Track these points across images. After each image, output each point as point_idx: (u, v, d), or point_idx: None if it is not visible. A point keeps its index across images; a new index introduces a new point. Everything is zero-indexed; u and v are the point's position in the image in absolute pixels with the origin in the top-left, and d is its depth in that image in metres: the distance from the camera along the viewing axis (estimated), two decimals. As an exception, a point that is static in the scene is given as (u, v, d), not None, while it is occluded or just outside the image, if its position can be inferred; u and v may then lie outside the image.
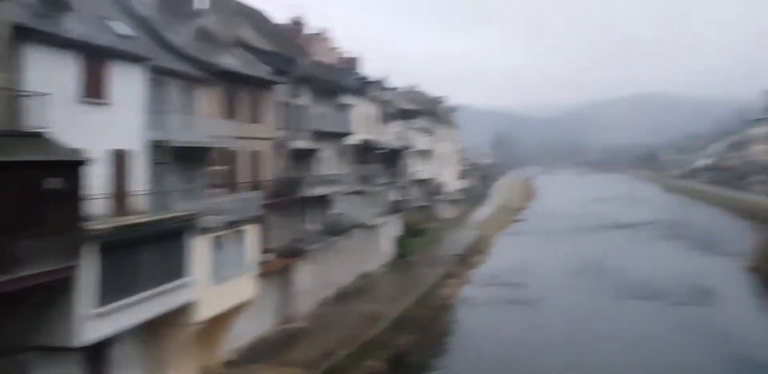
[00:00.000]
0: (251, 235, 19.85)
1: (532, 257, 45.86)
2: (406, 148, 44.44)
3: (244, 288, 19.24)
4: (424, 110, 56.58)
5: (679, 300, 31.86)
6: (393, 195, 40.44)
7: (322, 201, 27.88)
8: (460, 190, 72.89)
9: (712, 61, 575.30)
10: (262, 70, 23.51)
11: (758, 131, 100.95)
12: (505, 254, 47.06)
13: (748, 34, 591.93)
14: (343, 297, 28.36)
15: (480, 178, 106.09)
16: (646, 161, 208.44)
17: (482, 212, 71.38)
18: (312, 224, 27.17)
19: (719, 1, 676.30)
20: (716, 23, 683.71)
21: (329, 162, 29.48)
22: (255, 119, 22.84)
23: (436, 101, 67.36)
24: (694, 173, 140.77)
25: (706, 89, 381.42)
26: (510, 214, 76.40)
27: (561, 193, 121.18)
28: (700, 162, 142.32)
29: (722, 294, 32.88)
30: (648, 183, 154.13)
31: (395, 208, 39.61)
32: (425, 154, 54.53)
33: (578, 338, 25.89)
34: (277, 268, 22.90)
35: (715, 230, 58.93)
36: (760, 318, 29.21)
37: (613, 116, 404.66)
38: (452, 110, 76.36)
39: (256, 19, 29.49)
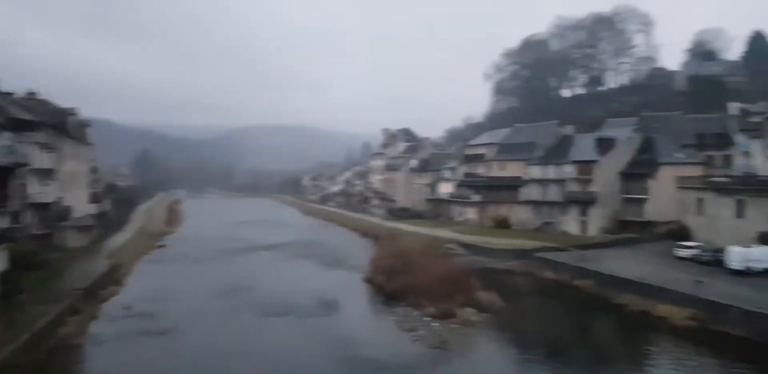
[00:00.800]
0: None
1: (173, 284, 44.21)
2: (19, 165, 37.53)
3: None
4: (47, 121, 49.19)
5: (309, 312, 34.89)
6: (-2, 221, 33.44)
7: None
8: (94, 215, 65.64)
9: (346, 99, 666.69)
10: None
11: (377, 163, 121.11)
12: (143, 284, 43.94)
13: (375, 78, 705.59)
14: None
15: (119, 201, 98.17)
16: (289, 186, 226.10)
17: (120, 239, 65.70)
18: None
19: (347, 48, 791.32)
20: (347, 65, 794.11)
21: None
22: None
23: (64, 113, 59.38)
24: (328, 198, 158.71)
25: (340, 124, 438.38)
26: (152, 239, 72.63)
27: (208, 216, 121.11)
28: (334, 188, 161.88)
29: (343, 303, 37.21)
30: (289, 207, 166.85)
31: (1, 237, 32.78)
32: (47, 173, 47.21)
33: (217, 358, 26.42)
34: None
35: (342, 248, 66.93)
36: (370, 322, 34.05)
37: (262, 142, 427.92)
38: (85, 124, 68.63)
39: None
